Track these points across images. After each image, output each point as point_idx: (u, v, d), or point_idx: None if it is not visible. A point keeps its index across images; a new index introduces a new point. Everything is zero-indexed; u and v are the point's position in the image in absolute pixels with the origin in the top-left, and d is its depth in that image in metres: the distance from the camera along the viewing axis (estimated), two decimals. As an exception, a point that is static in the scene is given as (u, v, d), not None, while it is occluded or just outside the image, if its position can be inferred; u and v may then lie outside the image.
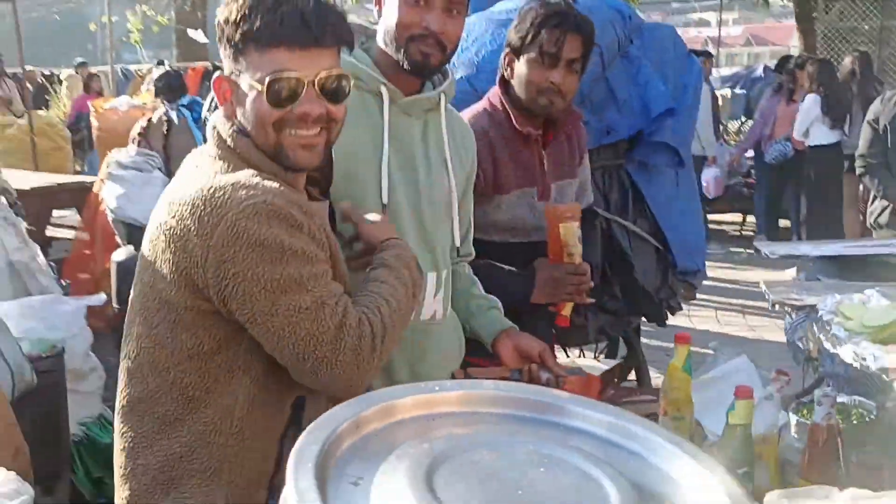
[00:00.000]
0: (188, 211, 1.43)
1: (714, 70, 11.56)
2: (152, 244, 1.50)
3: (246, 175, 1.48)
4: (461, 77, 3.10)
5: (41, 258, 3.67)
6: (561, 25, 2.44)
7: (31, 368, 2.79)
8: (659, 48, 3.60)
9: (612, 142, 3.44)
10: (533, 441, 0.93)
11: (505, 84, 2.60)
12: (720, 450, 1.77)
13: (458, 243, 2.20)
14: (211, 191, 1.44)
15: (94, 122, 8.82)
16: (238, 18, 1.47)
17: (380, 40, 2.01)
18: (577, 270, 2.36)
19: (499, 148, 2.52)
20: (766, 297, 2.10)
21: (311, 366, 1.44)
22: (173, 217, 1.45)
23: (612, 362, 2.48)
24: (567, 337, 3.17)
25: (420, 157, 2.09)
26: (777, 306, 2.04)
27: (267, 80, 1.46)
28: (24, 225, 3.81)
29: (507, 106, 2.54)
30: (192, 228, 1.42)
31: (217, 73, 1.57)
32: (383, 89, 1.99)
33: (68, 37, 25.30)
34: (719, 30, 19.42)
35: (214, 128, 1.58)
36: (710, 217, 9.06)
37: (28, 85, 9.41)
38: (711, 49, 13.71)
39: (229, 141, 1.55)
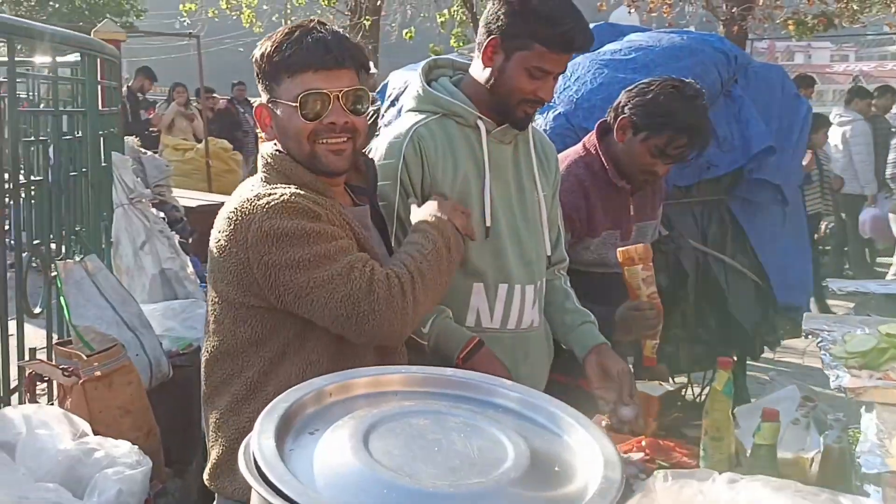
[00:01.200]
0: (226, 225, 1.75)
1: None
2: (211, 254, 1.84)
3: (272, 188, 1.77)
4: (560, 113, 3.32)
5: (190, 268, 4.17)
6: (691, 138, 2.63)
7: (168, 362, 3.20)
8: (766, 88, 3.68)
9: (712, 177, 3.55)
10: (463, 414, 1.17)
11: (604, 133, 2.79)
12: (747, 468, 1.89)
13: (549, 252, 2.40)
14: (241, 204, 1.74)
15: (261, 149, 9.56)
16: (272, 52, 1.77)
17: (479, 78, 2.23)
18: (641, 307, 2.49)
19: (593, 197, 2.73)
20: (804, 325, 2.19)
21: (355, 323, 1.68)
22: (219, 231, 1.78)
23: (677, 386, 2.59)
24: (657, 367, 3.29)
25: (513, 178, 2.32)
26: (810, 336, 2.13)
27: (299, 97, 1.74)
28: (177, 238, 4.32)
29: (603, 159, 2.74)
30: (232, 238, 1.73)
31: (257, 103, 1.87)
32: (480, 123, 2.24)
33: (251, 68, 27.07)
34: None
35: (261, 156, 1.90)
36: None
37: (207, 112, 10.28)
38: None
39: (271, 160, 1.84)
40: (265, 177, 1.85)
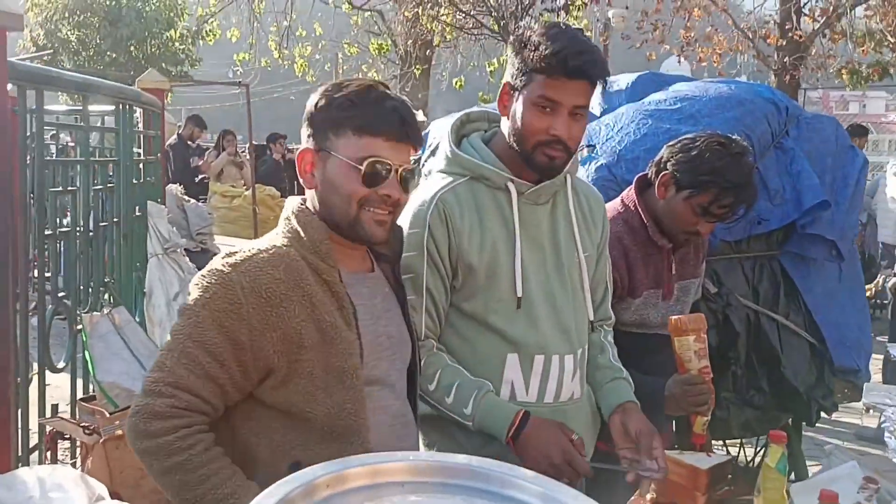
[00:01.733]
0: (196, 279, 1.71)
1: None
2: None
3: (260, 248, 1.69)
4: (602, 165, 3.20)
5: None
6: (738, 196, 2.51)
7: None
8: (818, 140, 3.51)
9: (763, 232, 3.38)
10: (469, 507, 1.03)
11: (644, 188, 2.68)
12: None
13: (591, 317, 2.26)
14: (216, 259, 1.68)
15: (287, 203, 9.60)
16: (343, 103, 1.70)
17: (506, 134, 2.12)
18: (691, 381, 2.34)
19: (633, 255, 2.61)
20: (864, 398, 2.01)
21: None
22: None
23: (724, 457, 2.41)
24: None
25: (549, 241, 2.19)
26: (871, 410, 1.95)
27: (366, 162, 1.68)
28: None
29: (643, 215, 2.62)
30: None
31: (303, 147, 1.77)
32: (510, 185, 2.12)
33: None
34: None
35: (285, 209, 1.81)
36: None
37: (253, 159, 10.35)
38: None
39: (290, 214, 1.75)
40: (279, 232, 1.78)
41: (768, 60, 10.85)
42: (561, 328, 2.16)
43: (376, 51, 15.92)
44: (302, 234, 1.72)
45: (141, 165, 3.89)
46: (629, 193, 2.72)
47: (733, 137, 2.61)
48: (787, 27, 10.44)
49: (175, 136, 10.42)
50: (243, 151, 10.72)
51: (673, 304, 2.77)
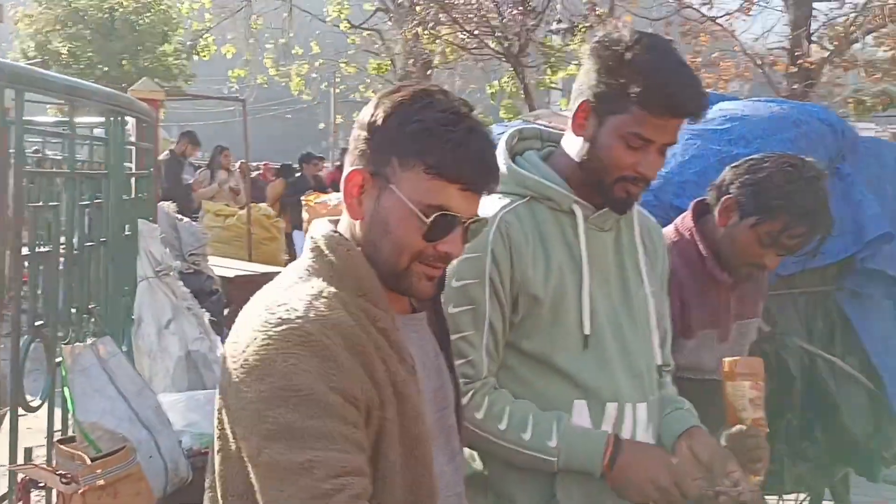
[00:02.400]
0: (233, 338, 1.37)
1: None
2: (225, 370, 1.40)
3: (305, 296, 1.35)
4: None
5: (220, 350, 3.76)
6: (813, 227, 2.25)
7: (188, 464, 2.77)
8: (877, 165, 3.25)
9: (818, 266, 3.08)
10: None
11: (701, 214, 2.40)
12: None
13: (659, 360, 1.99)
14: (261, 330, 1.33)
15: (304, 216, 9.28)
16: (418, 133, 1.35)
17: (570, 151, 1.86)
18: (745, 434, 2.02)
19: (687, 290, 2.33)
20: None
21: None
22: (236, 355, 1.35)
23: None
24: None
25: (615, 272, 1.93)
26: None
27: (435, 215, 1.35)
28: (207, 316, 3.92)
29: (701, 246, 2.35)
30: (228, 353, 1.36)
31: (354, 166, 1.41)
32: (576, 208, 1.85)
33: (302, 136, 27.44)
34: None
35: (313, 236, 1.45)
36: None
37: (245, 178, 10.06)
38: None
39: (325, 245, 1.41)
40: (310, 268, 1.41)
41: (777, 87, 10.63)
42: (633, 372, 1.89)
43: (374, 70, 15.70)
44: (343, 271, 1.38)
45: (133, 180, 3.56)
46: (685, 220, 2.42)
47: (806, 159, 2.33)
48: (797, 53, 10.24)
49: (167, 151, 10.11)
50: (235, 169, 10.39)
51: (731, 346, 2.48)
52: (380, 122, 1.38)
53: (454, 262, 1.75)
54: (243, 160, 10.17)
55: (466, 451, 1.89)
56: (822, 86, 11.18)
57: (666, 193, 2.87)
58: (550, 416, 1.82)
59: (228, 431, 1.35)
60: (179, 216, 6.05)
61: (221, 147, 10.09)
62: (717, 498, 1.78)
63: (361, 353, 1.31)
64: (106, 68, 19.52)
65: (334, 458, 1.24)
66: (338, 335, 1.29)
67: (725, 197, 2.31)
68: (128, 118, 3.49)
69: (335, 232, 1.43)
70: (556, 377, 1.84)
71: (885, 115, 13.99)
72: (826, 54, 10.72)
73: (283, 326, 1.29)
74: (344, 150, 13.24)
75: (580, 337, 1.83)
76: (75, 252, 2.78)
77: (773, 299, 2.98)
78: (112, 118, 3.12)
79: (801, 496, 3.46)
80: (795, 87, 10.47)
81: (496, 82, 14.05)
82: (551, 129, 2.07)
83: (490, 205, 1.85)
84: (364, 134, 1.40)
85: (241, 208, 9.62)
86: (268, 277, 1.51)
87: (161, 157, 10.01)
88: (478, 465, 1.93)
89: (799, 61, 10.25)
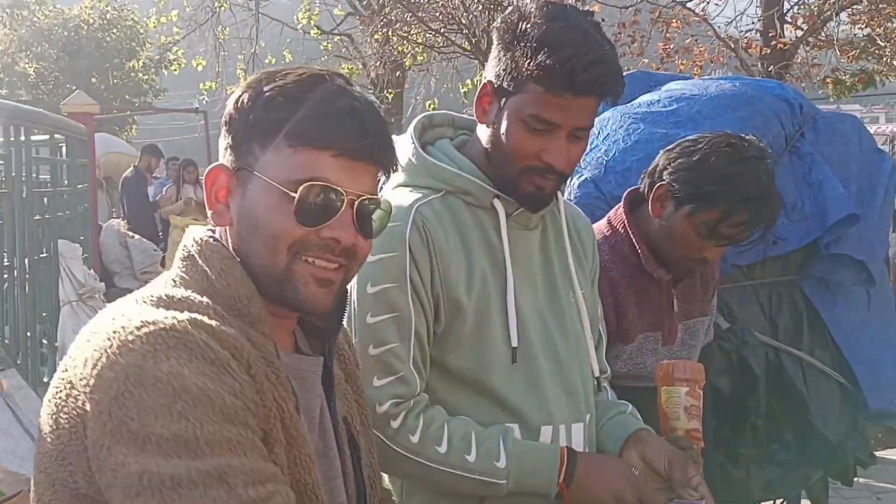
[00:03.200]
0: (69, 365, 1.09)
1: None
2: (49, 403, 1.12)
3: (163, 311, 1.08)
4: (586, 179, 2.69)
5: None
6: (753, 214, 2.01)
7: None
8: (840, 142, 3.00)
9: (780, 254, 2.85)
10: None
11: (635, 205, 2.19)
12: None
13: (597, 373, 1.78)
14: (107, 337, 1.05)
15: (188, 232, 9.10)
16: (271, 100, 1.14)
17: (485, 143, 1.65)
18: (676, 444, 1.78)
19: (622, 291, 2.12)
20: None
21: None
22: (69, 369, 1.09)
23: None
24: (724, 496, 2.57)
25: (542, 277, 1.72)
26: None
27: (302, 187, 1.11)
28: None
29: (634, 238, 2.12)
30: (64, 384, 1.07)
31: (214, 165, 1.20)
32: (497, 203, 1.64)
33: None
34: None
35: (184, 243, 1.21)
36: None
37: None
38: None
39: (195, 250, 1.17)
40: (179, 278, 1.17)
41: (752, 70, 10.43)
42: (567, 389, 1.68)
43: (347, 76, 15.51)
44: (218, 284, 1.14)
45: (45, 199, 3.32)
46: (617, 213, 2.21)
47: (747, 137, 2.11)
48: (770, 35, 10.04)
49: (131, 168, 9.88)
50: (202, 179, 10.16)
51: (678, 349, 2.27)
52: (232, 108, 1.17)
53: (367, 264, 1.52)
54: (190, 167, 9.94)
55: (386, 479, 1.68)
56: (799, 66, 10.99)
57: (608, 184, 2.64)
58: (494, 431, 1.60)
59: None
60: (130, 234, 5.85)
61: (187, 161, 9.86)
62: None
63: (248, 368, 1.07)
64: (74, 87, 19.29)
65: (247, 465, 1.00)
66: (219, 343, 1.05)
67: (658, 185, 2.08)
68: (58, 135, 3.27)
69: (212, 238, 1.18)
70: (483, 400, 1.62)
71: (867, 94, 13.86)
72: (800, 34, 10.52)
73: (149, 328, 1.03)
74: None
75: (508, 350, 1.61)
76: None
77: (732, 292, 2.77)
78: (12, 130, 2.89)
79: (775, 503, 3.24)
80: (771, 69, 10.27)
81: (469, 81, 13.82)
82: (465, 117, 1.84)
83: (401, 198, 1.63)
84: (223, 130, 1.20)
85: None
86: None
87: (126, 173, 9.80)
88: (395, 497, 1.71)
89: (773, 42, 10.04)
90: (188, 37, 15.60)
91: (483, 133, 1.64)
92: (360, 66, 15.38)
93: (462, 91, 13.77)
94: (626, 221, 2.14)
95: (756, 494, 2.80)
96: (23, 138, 2.97)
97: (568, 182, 2.63)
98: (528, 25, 1.52)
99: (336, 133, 1.12)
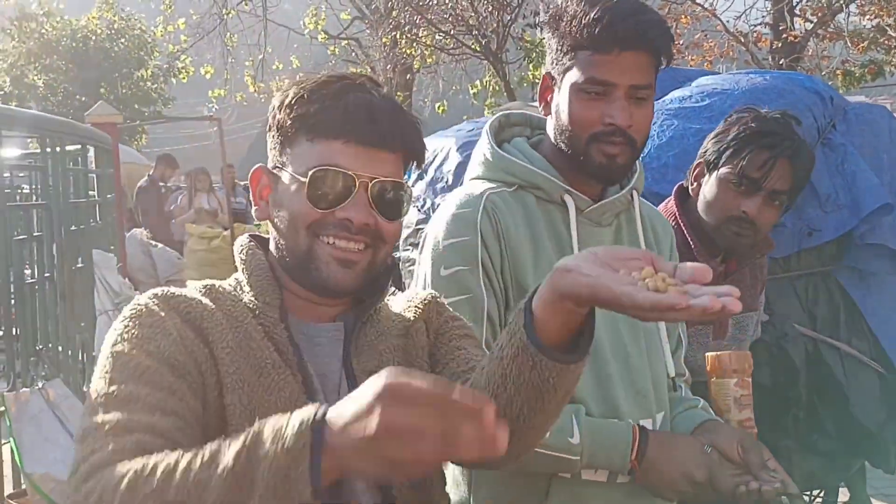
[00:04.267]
0: None
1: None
2: None
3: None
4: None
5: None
6: (773, 148, 2.03)
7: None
8: (870, 133, 3.02)
9: (815, 245, 2.86)
10: None
11: (683, 198, 2.21)
12: None
13: (672, 373, 1.79)
14: None
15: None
16: (293, 101, 1.26)
17: (552, 137, 1.69)
18: None
19: None
20: None
21: None
22: None
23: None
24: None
25: None
26: None
27: (311, 172, 1.23)
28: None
29: (685, 230, 2.13)
30: None
31: (256, 167, 1.34)
32: (567, 198, 1.66)
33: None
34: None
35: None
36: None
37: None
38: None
39: (237, 259, 1.33)
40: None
41: (763, 64, 10.43)
42: (635, 388, 1.68)
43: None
44: (245, 273, 1.31)
45: (80, 209, 3.35)
46: (668, 207, 2.22)
47: (780, 112, 2.16)
48: (780, 28, 10.04)
49: (146, 178, 9.91)
50: (218, 186, 10.16)
51: (728, 343, 2.29)
52: (270, 117, 1.31)
53: (440, 248, 1.60)
54: (230, 168, 9.98)
55: (450, 476, 1.70)
56: (809, 59, 10.98)
57: (645, 180, 2.65)
58: (567, 408, 1.59)
59: None
60: (153, 243, 5.88)
61: (199, 169, 9.87)
62: (759, 491, 1.60)
63: (200, 328, 1.21)
64: (84, 98, 19.37)
65: (125, 419, 1.11)
66: (173, 310, 1.21)
67: (695, 163, 2.15)
68: (88, 146, 3.30)
69: (250, 241, 1.36)
70: None
71: (874, 85, 13.83)
72: (809, 27, 10.52)
73: (128, 305, 1.24)
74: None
75: None
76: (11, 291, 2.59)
77: (770, 284, 2.76)
78: (48, 146, 2.91)
79: (815, 493, 3.25)
80: (782, 62, 10.26)
81: (478, 82, 13.83)
82: (540, 116, 1.86)
83: (473, 188, 1.69)
84: (268, 134, 1.34)
85: (227, 229, 9.41)
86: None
87: (140, 182, 9.83)
88: (461, 492, 1.72)
89: (783, 36, 10.04)
90: (196, 45, 15.67)
91: (549, 124, 1.68)
92: (369, 70, 15.43)
93: (472, 92, 13.79)
94: (677, 214, 2.16)
95: (798, 485, 2.80)
96: (58, 149, 2.99)
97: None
98: (570, 3, 1.58)
99: (346, 122, 1.22)
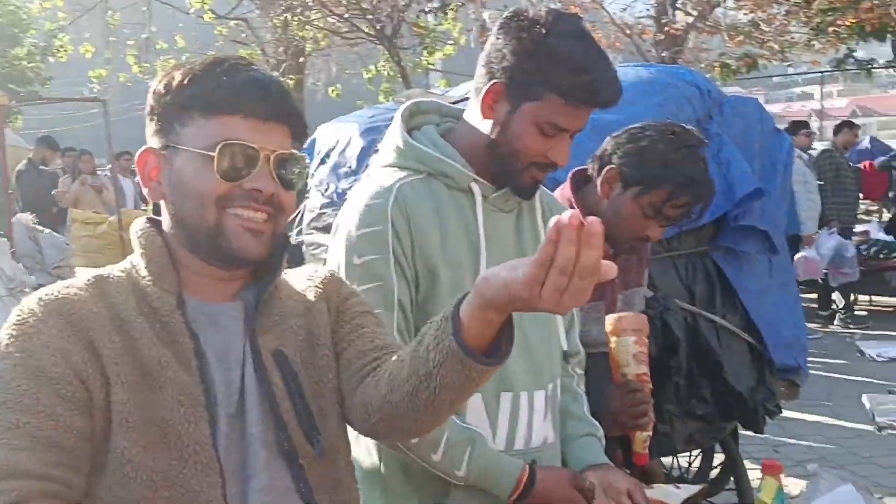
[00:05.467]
0: None
1: (818, 144, 11.03)
2: None
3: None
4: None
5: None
6: (694, 196, 2.19)
7: None
8: (743, 124, 3.28)
9: (693, 227, 3.10)
10: None
11: (579, 185, 2.35)
12: None
13: (565, 346, 1.93)
14: None
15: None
16: (184, 82, 1.29)
17: (475, 131, 1.77)
18: (628, 388, 2.02)
19: None
20: (871, 416, 1.71)
21: None
22: None
23: (694, 489, 2.09)
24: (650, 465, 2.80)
25: (515, 256, 1.82)
26: (885, 432, 1.64)
27: (219, 146, 1.26)
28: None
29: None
30: None
31: (143, 149, 1.34)
32: (475, 186, 1.77)
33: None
34: (821, 102, 18.82)
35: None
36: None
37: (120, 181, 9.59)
38: (815, 122, 13.17)
39: (134, 241, 1.34)
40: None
41: (647, 55, 10.85)
42: (531, 360, 1.81)
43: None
44: (140, 255, 1.32)
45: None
46: (563, 192, 2.36)
47: (687, 128, 2.29)
48: (662, 21, 10.48)
49: (25, 161, 9.54)
50: (105, 174, 9.90)
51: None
52: (151, 98, 1.32)
53: (353, 237, 1.68)
54: (125, 155, 9.70)
55: (364, 443, 1.80)
56: (690, 51, 11.47)
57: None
58: (465, 440, 1.72)
59: None
60: (40, 227, 5.71)
61: (82, 151, 9.58)
62: None
63: (84, 329, 1.21)
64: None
65: (3, 459, 1.12)
66: (53, 312, 1.21)
67: (608, 168, 2.24)
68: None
69: (147, 223, 1.37)
70: None
71: (749, 77, 14.56)
72: (690, 20, 10.99)
73: (15, 309, 1.24)
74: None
75: None
76: None
77: (654, 263, 2.98)
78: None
79: (694, 453, 3.52)
80: (664, 54, 10.70)
81: (373, 67, 13.84)
82: (451, 106, 1.97)
83: (384, 178, 1.76)
84: (147, 119, 1.34)
85: (112, 214, 9.19)
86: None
87: (19, 166, 9.46)
88: (373, 459, 1.83)
89: (665, 28, 10.48)
90: (75, 22, 15.06)
91: (479, 125, 1.76)
92: (259, 52, 15.17)
93: (366, 77, 13.78)
94: (572, 200, 2.31)
95: (679, 446, 3.06)
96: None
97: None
98: (554, 41, 1.63)
99: (243, 98, 1.27)
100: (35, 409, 1.15)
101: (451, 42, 13.91)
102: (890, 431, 1.61)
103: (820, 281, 8.33)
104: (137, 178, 1.41)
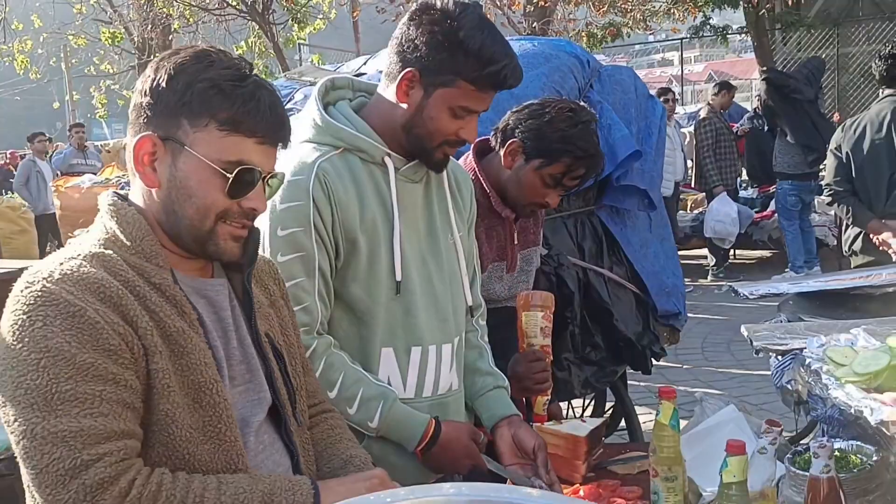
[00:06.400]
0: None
1: (680, 108, 11.63)
2: None
3: (74, 255, 1.34)
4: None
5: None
6: (590, 168, 2.40)
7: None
8: (620, 91, 3.55)
9: (581, 189, 3.36)
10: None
11: (482, 154, 2.51)
12: (721, 511, 1.64)
13: (470, 302, 2.13)
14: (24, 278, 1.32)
15: (55, 202, 8.67)
16: (206, 89, 1.35)
17: (389, 110, 1.92)
18: (533, 357, 2.24)
19: (477, 228, 2.42)
20: (750, 342, 1.99)
21: None
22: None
23: (597, 421, 2.33)
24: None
25: (424, 222, 2.03)
26: (762, 353, 1.92)
27: (237, 170, 1.37)
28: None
29: (484, 182, 2.45)
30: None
31: (144, 134, 1.38)
32: (388, 160, 1.93)
33: (34, 118, 25.29)
34: (682, 68, 19.71)
35: (100, 208, 1.44)
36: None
37: None
38: (675, 87, 13.83)
39: (106, 217, 1.41)
40: (91, 236, 1.42)
41: (518, 27, 11.17)
42: (440, 317, 2.02)
43: (108, 40, 14.71)
44: (119, 233, 1.39)
45: None
46: (467, 161, 2.54)
47: (581, 104, 2.52)
48: (531, -7, 10.79)
49: None
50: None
51: (518, 275, 2.66)
52: (164, 84, 1.36)
53: (277, 211, 1.83)
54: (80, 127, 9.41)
55: None
56: (558, 22, 11.87)
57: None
58: (378, 395, 1.91)
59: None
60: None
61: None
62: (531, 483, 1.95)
63: (118, 305, 1.30)
64: None
65: (91, 426, 1.23)
66: (84, 290, 1.28)
67: (511, 140, 2.41)
68: None
69: (116, 197, 1.44)
70: (368, 326, 1.93)
71: (613, 45, 15.15)
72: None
73: (28, 289, 1.28)
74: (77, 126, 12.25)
75: (392, 284, 1.92)
76: None
77: (547, 223, 3.21)
78: None
79: (588, 398, 3.81)
80: (535, 25, 11.05)
81: (242, 43, 13.65)
82: (362, 81, 2.11)
83: (305, 154, 1.90)
84: (147, 100, 1.38)
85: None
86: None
87: None
88: None
89: (535, 0, 10.79)
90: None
91: (393, 107, 1.91)
92: (123, 31, 14.70)
93: (237, 53, 13.57)
94: (476, 169, 2.48)
95: (576, 391, 3.33)
96: None
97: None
98: (464, 34, 1.80)
99: (262, 124, 1.37)
100: (106, 377, 1.26)
101: (322, 17, 13.88)
102: (765, 352, 1.87)
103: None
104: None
